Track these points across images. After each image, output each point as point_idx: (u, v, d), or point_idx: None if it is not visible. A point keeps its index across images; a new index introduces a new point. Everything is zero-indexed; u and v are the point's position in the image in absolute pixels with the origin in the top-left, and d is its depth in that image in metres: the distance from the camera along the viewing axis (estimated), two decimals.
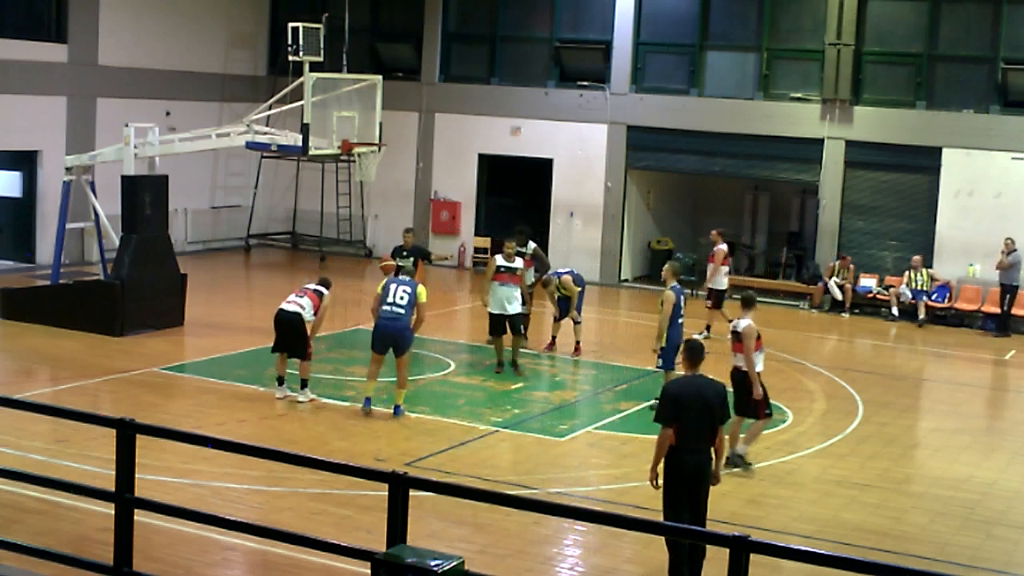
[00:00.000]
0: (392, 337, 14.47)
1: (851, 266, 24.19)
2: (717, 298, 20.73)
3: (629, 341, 20.24)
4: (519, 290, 17.10)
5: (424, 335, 18.86)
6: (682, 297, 15.22)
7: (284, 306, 15.03)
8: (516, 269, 17.09)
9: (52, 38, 24.88)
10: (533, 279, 18.71)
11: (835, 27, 24.20)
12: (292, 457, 9.46)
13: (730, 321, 21.04)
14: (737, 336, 13.09)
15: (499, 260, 17.06)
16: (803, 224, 27.16)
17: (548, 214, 27.05)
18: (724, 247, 21.08)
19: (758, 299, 14.18)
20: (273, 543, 9.78)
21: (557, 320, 18.98)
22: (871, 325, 23.43)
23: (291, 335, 14.90)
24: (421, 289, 14.74)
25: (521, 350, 17.39)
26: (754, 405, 13.04)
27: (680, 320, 15.14)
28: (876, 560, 7.12)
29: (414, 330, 14.71)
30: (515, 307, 16.98)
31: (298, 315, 14.90)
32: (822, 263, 24.71)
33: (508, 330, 17.13)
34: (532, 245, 18.78)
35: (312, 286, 15.31)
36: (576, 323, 18.72)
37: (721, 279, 20.78)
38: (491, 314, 17.10)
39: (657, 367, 15.40)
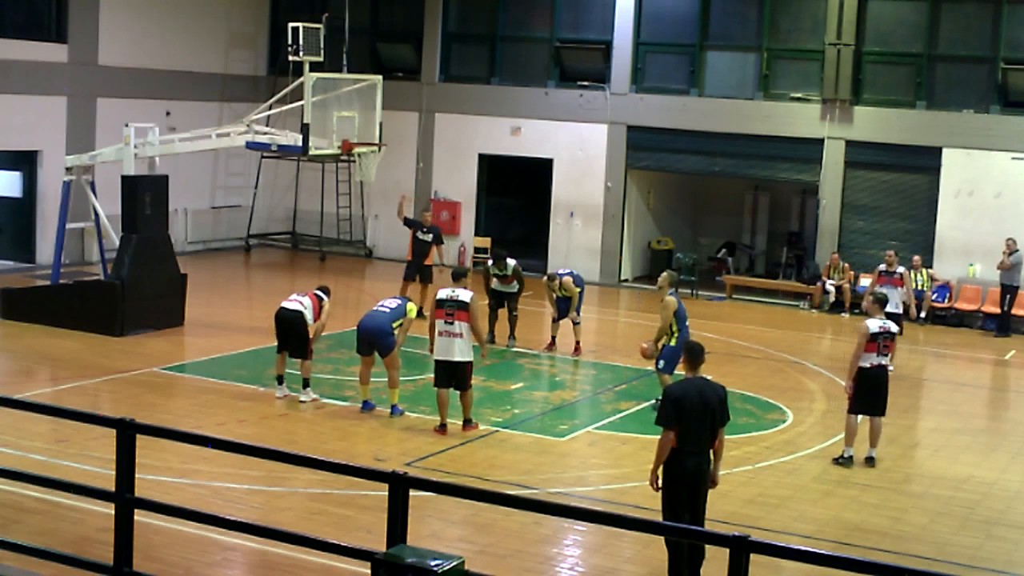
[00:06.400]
0: (369, 335, 14.48)
1: (844, 265, 24.11)
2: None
3: (629, 341, 20.22)
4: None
5: (425, 335, 18.84)
6: (681, 303, 15.30)
7: (285, 304, 15.07)
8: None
9: (52, 38, 24.87)
10: (516, 290, 18.97)
11: (835, 27, 24.19)
12: (292, 457, 9.45)
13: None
14: (893, 336, 13.80)
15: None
16: (803, 224, 27.17)
17: (548, 214, 27.04)
18: (900, 269, 19.34)
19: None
20: (273, 543, 9.78)
21: (556, 320, 18.99)
22: None
23: (292, 333, 14.90)
24: (411, 306, 14.95)
25: (521, 350, 17.35)
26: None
27: (686, 324, 15.17)
28: (876, 560, 7.12)
29: (396, 343, 14.63)
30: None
31: (300, 313, 14.91)
32: (822, 263, 24.69)
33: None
34: (512, 263, 18.84)
35: (313, 291, 15.36)
36: (575, 323, 18.74)
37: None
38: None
39: (658, 368, 15.30)
